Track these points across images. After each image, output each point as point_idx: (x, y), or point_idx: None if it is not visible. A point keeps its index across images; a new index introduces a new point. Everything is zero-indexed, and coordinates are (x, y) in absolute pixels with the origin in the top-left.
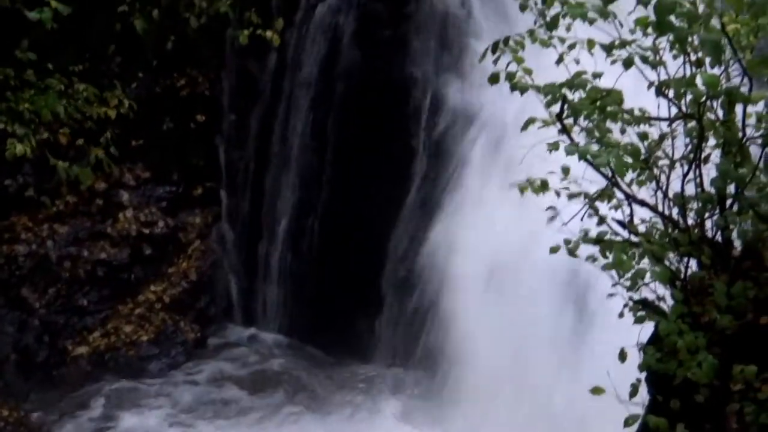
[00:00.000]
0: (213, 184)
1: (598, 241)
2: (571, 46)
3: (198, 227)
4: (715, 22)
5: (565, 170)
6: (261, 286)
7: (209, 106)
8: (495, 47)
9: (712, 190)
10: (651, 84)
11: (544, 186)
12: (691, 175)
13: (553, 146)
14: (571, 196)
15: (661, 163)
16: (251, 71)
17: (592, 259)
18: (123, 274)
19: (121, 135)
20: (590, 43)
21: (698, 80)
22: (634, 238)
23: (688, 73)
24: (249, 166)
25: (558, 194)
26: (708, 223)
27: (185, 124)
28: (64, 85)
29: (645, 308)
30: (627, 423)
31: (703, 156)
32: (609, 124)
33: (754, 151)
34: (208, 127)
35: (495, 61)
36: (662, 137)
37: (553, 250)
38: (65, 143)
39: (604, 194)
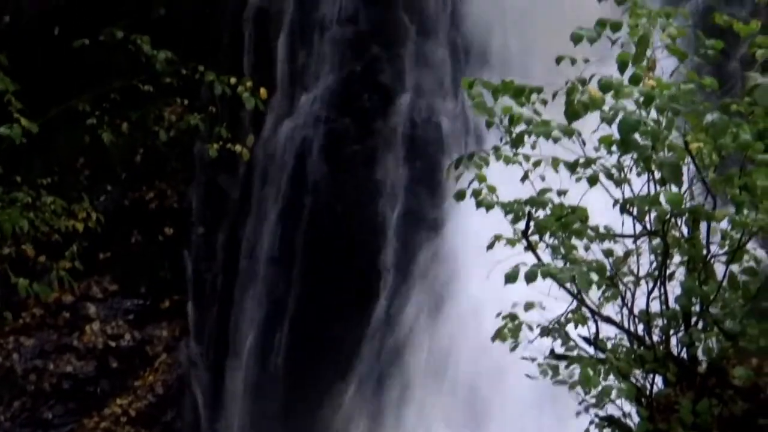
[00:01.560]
0: (180, 297)
1: (566, 357)
2: (536, 164)
3: (165, 340)
4: (678, 141)
5: (529, 305)
6: (228, 400)
7: (178, 219)
8: (459, 162)
9: (677, 307)
10: (616, 201)
11: (513, 321)
12: (656, 292)
13: (513, 275)
14: (544, 331)
15: (626, 279)
16: (220, 184)
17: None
18: (89, 387)
19: (89, 248)
20: (555, 162)
21: (662, 198)
22: (600, 355)
23: (653, 190)
24: (217, 279)
25: (531, 328)
26: (673, 340)
27: (153, 236)
28: (32, 198)
29: (611, 425)
30: None
31: (667, 273)
32: (574, 240)
33: (719, 268)
34: (176, 240)
35: (457, 177)
36: (627, 254)
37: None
38: (31, 257)
39: (570, 311)
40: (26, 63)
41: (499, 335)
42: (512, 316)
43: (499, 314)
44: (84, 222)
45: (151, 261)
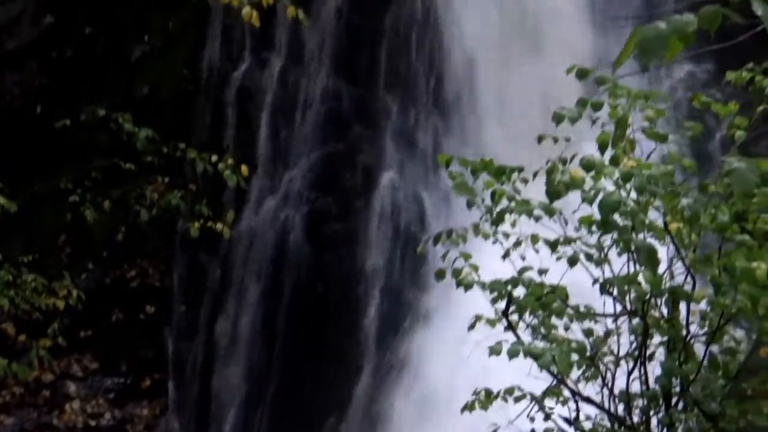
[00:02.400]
0: (161, 376)
1: None
2: (517, 243)
3: (145, 419)
4: (659, 221)
5: (510, 390)
6: None
7: (159, 297)
8: (437, 239)
9: (658, 388)
10: (596, 281)
11: (488, 397)
12: (636, 373)
13: (496, 350)
14: (518, 399)
15: (606, 359)
16: (202, 263)
17: None
18: None
19: (70, 326)
20: (534, 239)
21: (641, 279)
22: None
23: (632, 270)
24: (198, 357)
25: (506, 399)
26: (654, 421)
27: (134, 315)
28: (12, 276)
29: None
30: None
31: (647, 353)
32: (554, 320)
33: (699, 349)
34: (157, 318)
35: (443, 256)
36: (607, 334)
37: None
38: (11, 335)
39: (551, 392)
40: (9, 142)
41: (468, 407)
42: (487, 392)
43: (474, 392)
44: (65, 300)
45: (132, 339)
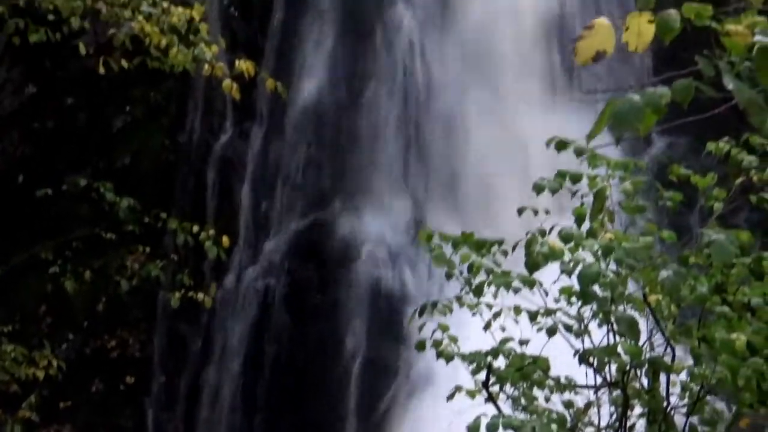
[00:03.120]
0: None
1: None
2: (497, 314)
3: None
4: (638, 293)
5: None
6: None
7: (139, 367)
8: (422, 311)
9: None
10: (576, 352)
11: None
12: None
13: (475, 427)
14: None
15: (587, 431)
16: (182, 333)
17: None
18: None
19: (49, 396)
20: (516, 310)
21: (621, 350)
22: None
23: (612, 341)
24: (178, 428)
25: None
26: None
27: (115, 385)
28: None
29: None
30: None
31: (628, 424)
32: (535, 391)
33: (679, 420)
34: (137, 388)
35: (420, 327)
36: (588, 405)
37: None
38: None
39: None
40: None
41: None
42: None
43: None
44: (45, 370)
45: (112, 409)
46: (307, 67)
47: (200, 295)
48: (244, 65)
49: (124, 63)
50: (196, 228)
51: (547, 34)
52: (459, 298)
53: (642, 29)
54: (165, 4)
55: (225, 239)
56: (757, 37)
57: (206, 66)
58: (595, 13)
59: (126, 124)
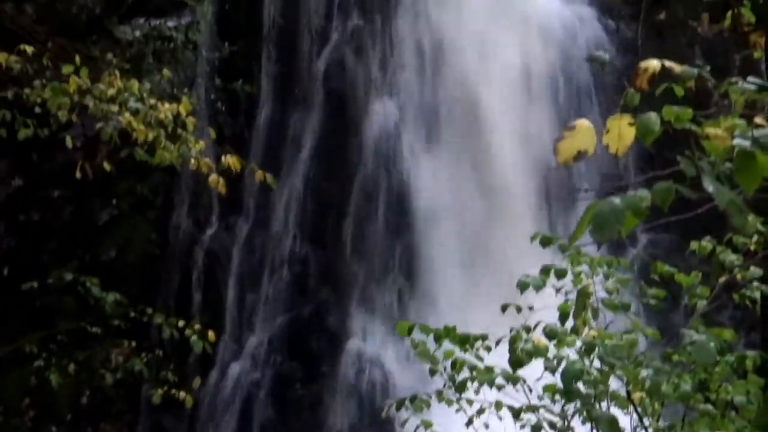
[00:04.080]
0: None
1: None
2: (480, 411)
3: None
4: (622, 390)
5: None
6: None
7: None
8: (400, 405)
9: None
10: None
11: None
12: None
13: None
14: None
15: None
16: (166, 427)
17: None
18: None
19: None
20: (498, 406)
21: None
22: None
23: None
24: None
25: None
26: None
27: None
28: None
29: None
30: None
31: None
32: None
33: None
34: None
35: (403, 423)
36: None
37: None
38: None
39: None
40: None
41: None
42: None
43: None
44: None
45: None
46: (294, 161)
47: (182, 394)
48: (230, 160)
49: (107, 166)
50: (181, 323)
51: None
52: (440, 393)
53: (622, 131)
54: (152, 100)
55: (211, 334)
56: (737, 140)
57: (192, 160)
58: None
59: (112, 218)
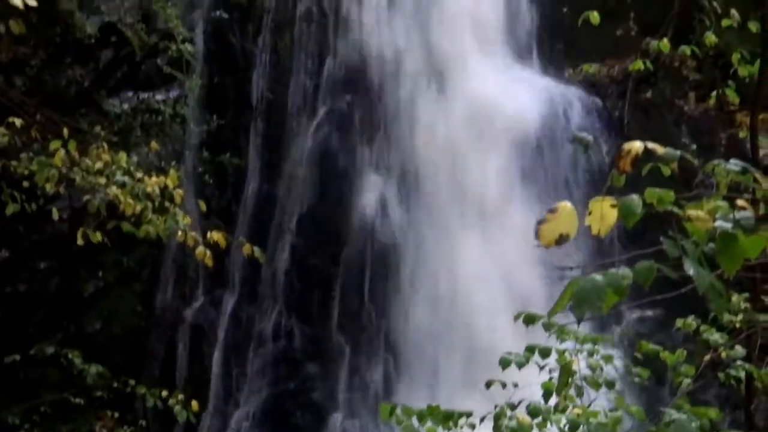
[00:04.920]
0: None
1: None
2: None
3: None
4: None
5: None
6: None
7: None
8: None
9: None
10: None
11: None
12: None
13: None
14: None
15: None
16: None
17: None
18: None
19: None
20: None
21: None
22: None
23: None
24: None
25: None
26: None
27: None
28: None
29: None
30: None
31: None
32: None
33: None
34: None
35: None
36: None
37: None
38: None
39: None
40: None
41: None
42: None
43: None
44: None
45: None
46: (281, 234)
47: None
48: (216, 236)
49: (98, 236)
50: (165, 393)
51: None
52: None
53: (605, 213)
54: (139, 174)
55: (194, 404)
56: (718, 222)
57: (179, 233)
58: None
59: (98, 289)
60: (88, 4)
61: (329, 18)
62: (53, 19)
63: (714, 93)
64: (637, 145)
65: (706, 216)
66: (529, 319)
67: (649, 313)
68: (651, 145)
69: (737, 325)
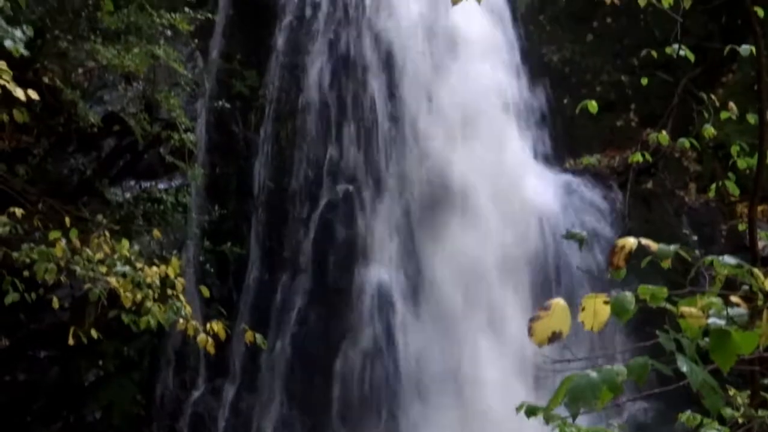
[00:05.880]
0: None
1: None
2: None
3: None
4: None
5: None
6: None
7: None
8: None
9: None
10: None
11: None
12: None
13: None
14: None
15: None
16: None
17: None
18: None
19: None
20: None
21: None
22: None
23: None
24: None
25: None
26: None
27: None
28: None
29: None
30: None
31: None
32: None
33: None
34: None
35: None
36: None
37: None
38: None
39: None
40: None
41: None
42: None
43: None
44: None
45: None
46: (282, 324)
47: None
48: (216, 326)
49: (94, 333)
50: None
51: None
52: None
53: (597, 309)
54: (140, 264)
55: None
56: (711, 320)
57: (181, 321)
58: None
59: (98, 379)
60: (91, 94)
61: (331, 109)
62: (57, 108)
63: (714, 185)
64: (630, 241)
65: (699, 313)
66: (531, 411)
67: (649, 406)
68: (645, 241)
69: (739, 420)
